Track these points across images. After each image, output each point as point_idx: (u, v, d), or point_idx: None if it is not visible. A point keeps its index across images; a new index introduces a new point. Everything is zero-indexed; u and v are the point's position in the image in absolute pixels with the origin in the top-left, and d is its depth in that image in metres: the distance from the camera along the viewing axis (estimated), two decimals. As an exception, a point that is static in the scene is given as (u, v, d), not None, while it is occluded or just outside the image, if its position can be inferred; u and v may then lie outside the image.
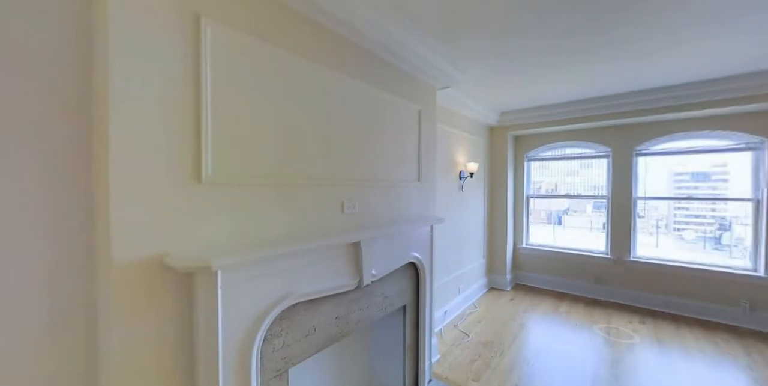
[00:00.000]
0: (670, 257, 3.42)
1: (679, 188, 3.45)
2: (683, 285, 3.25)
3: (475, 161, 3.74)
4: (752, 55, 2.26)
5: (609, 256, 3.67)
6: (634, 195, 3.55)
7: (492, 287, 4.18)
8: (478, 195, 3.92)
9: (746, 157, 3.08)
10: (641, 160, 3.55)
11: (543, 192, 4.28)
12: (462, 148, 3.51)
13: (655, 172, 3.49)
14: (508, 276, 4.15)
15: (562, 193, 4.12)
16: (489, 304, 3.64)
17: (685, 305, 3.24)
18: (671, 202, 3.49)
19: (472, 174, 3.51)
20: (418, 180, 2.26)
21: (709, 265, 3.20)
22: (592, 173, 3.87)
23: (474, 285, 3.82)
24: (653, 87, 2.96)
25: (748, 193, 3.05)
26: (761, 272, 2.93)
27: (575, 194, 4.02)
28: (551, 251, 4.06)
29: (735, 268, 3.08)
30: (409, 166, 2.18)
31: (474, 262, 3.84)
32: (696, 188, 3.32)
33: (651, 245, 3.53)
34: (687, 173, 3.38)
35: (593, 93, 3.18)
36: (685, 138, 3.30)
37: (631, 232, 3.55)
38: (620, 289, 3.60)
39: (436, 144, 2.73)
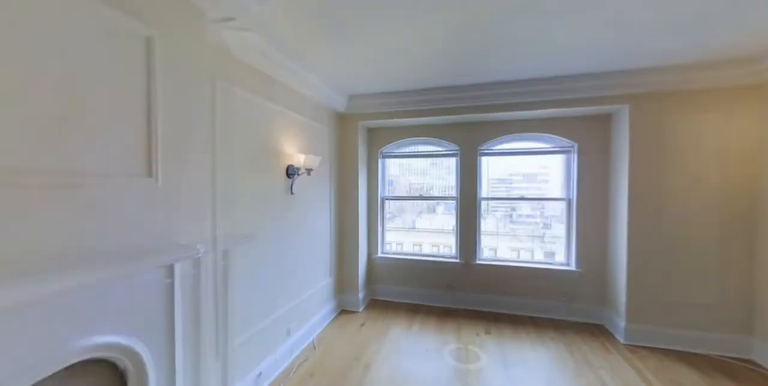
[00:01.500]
0: (507, 257, 3.46)
1: (512, 189, 3.55)
2: (518, 284, 3.29)
3: (317, 154, 2.88)
4: (581, 56, 2.19)
5: (458, 260, 3.48)
6: (479, 195, 3.45)
7: (343, 310, 3.43)
8: (322, 198, 3.08)
9: (559, 160, 3.33)
10: (484, 160, 3.48)
11: (401, 193, 3.83)
12: (294, 134, 2.57)
13: (495, 172, 3.48)
14: (361, 294, 3.49)
15: (417, 194, 3.77)
16: (333, 339, 2.83)
17: (521, 304, 3.28)
18: (507, 202, 3.56)
19: (310, 171, 2.62)
20: (150, 175, 1.15)
21: (536, 262, 3.34)
22: (443, 172, 3.64)
23: (316, 317, 2.95)
24: (497, 81, 2.79)
25: (561, 193, 3.29)
26: (573, 266, 3.17)
27: (428, 195, 3.72)
28: (406, 259, 3.64)
29: (555, 264, 3.28)
30: (122, 143, 1.06)
31: (316, 285, 2.97)
32: (527, 189, 3.44)
33: (492, 246, 3.51)
34: (519, 174, 3.49)
35: (444, 81, 2.82)
36: (518, 139, 3.36)
37: (476, 234, 3.44)
38: (469, 294, 3.44)
39: (216, 114, 1.66)
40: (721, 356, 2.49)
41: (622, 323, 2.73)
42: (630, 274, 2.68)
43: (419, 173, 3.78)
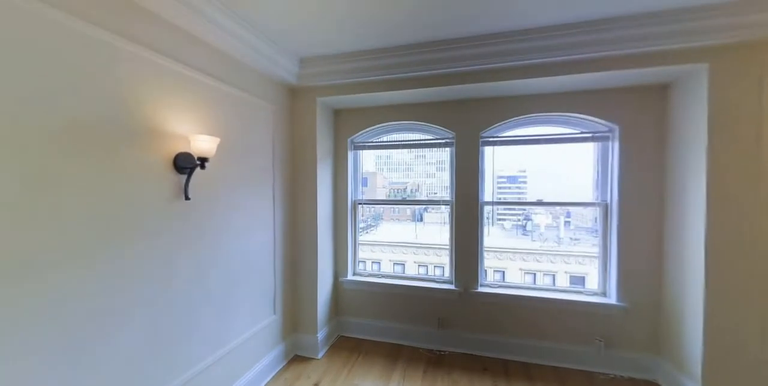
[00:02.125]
0: (519, 282, 2.57)
1: (526, 190, 2.67)
2: (535, 321, 2.40)
3: (251, 141, 1.96)
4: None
5: (454, 286, 2.58)
6: (481, 199, 2.55)
7: (297, 356, 2.51)
8: (258, 203, 2.14)
9: (592, 149, 2.44)
10: (488, 150, 2.58)
11: (377, 195, 2.92)
12: (199, 107, 1.64)
13: (504, 167, 2.59)
14: (322, 333, 2.57)
15: (399, 197, 2.87)
16: (269, 413, 1.91)
17: (539, 349, 2.39)
18: (519, 207, 2.68)
19: (204, 163, 1.69)
20: None
21: (560, 290, 2.45)
22: (433, 168, 2.74)
23: (250, 373, 2.04)
24: (509, 29, 1.89)
25: (594, 195, 2.41)
26: (612, 298, 2.29)
27: (414, 198, 2.82)
28: (384, 283, 2.72)
29: (586, 292, 2.39)
30: None
31: (249, 330, 2.04)
32: (546, 189, 2.54)
33: (499, 267, 2.62)
34: (535, 170, 2.60)
35: (432, 32, 1.91)
36: (534, 123, 2.47)
37: (478, 250, 2.53)
38: (468, 334, 2.53)
39: None
40: None
41: (694, 388, 1.85)
42: (708, 314, 1.80)
43: (402, 168, 2.88)
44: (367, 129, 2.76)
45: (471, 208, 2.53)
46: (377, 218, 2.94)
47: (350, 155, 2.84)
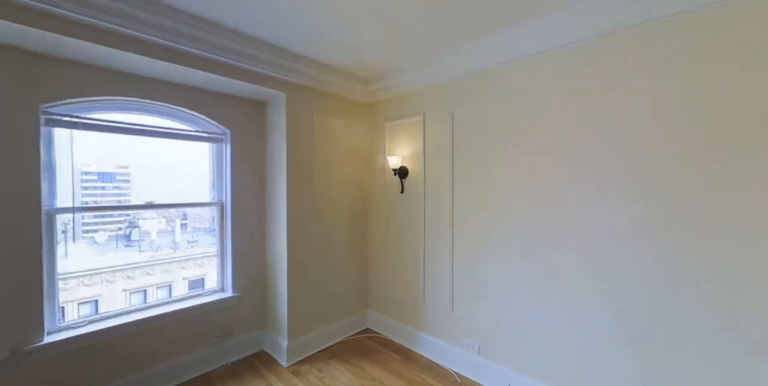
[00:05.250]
0: (123, 307, 2.02)
1: (128, 191, 2.16)
2: (145, 347, 2.00)
3: None
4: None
5: (-15, 355, 1.52)
6: (47, 203, 1.71)
7: None
8: None
9: (208, 150, 2.45)
10: (60, 134, 1.78)
11: None
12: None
13: (92, 161, 1.90)
14: None
15: None
16: None
17: (152, 376, 2.02)
18: (120, 213, 2.11)
19: None
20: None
21: (178, 300, 2.23)
22: None
23: None
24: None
25: (211, 195, 2.44)
26: (229, 291, 2.43)
27: None
28: None
29: (206, 293, 2.36)
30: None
31: None
32: (159, 189, 2.18)
33: (92, 295, 1.92)
34: (144, 166, 2.16)
35: None
36: (140, 109, 2.03)
37: (42, 285, 1.68)
38: (21, 418, 1.60)
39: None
40: (352, 336, 2.87)
41: (283, 342, 2.39)
42: (290, 283, 2.39)
43: None
44: None
45: (23, 219, 1.61)
46: None
47: None
